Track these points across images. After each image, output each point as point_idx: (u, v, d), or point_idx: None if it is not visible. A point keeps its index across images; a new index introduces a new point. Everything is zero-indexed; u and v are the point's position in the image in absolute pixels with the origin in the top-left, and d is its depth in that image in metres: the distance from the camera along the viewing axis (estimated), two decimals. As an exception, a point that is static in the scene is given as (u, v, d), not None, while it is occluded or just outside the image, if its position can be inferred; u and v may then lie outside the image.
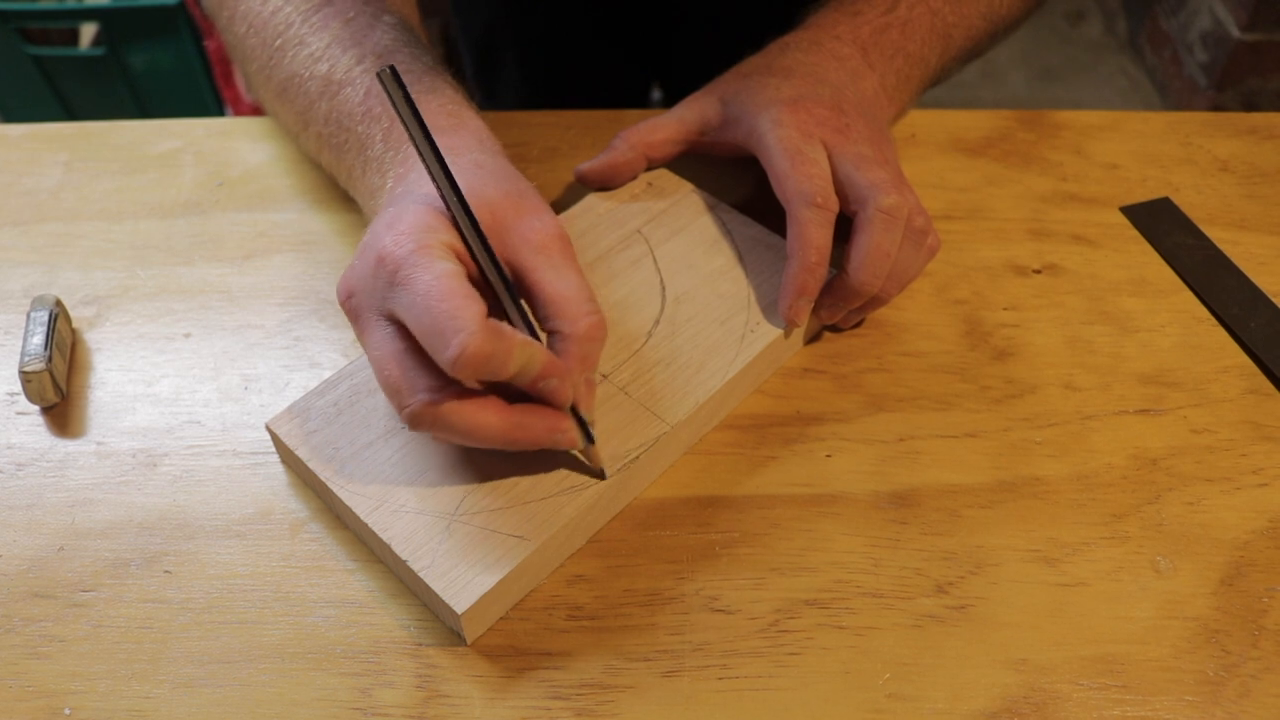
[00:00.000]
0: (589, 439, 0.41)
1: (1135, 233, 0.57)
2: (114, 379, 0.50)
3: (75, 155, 0.62)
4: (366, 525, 0.41)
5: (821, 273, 0.47)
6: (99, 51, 1.33)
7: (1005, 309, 0.53)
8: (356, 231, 0.57)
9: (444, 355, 0.36)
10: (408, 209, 0.40)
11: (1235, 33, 1.68)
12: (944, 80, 0.61)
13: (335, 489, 0.42)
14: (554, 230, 0.42)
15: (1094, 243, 0.57)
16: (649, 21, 0.87)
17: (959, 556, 0.43)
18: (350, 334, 0.51)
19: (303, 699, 0.39)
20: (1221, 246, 0.56)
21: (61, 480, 0.46)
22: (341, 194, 0.59)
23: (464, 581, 0.39)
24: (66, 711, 0.39)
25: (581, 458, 0.43)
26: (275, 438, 0.45)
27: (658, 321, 0.48)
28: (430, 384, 0.38)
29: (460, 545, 0.40)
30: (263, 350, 0.51)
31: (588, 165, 0.54)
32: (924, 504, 0.45)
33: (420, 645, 0.40)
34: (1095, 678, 0.39)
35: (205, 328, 0.52)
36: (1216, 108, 1.76)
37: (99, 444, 0.47)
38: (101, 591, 0.42)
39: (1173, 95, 1.89)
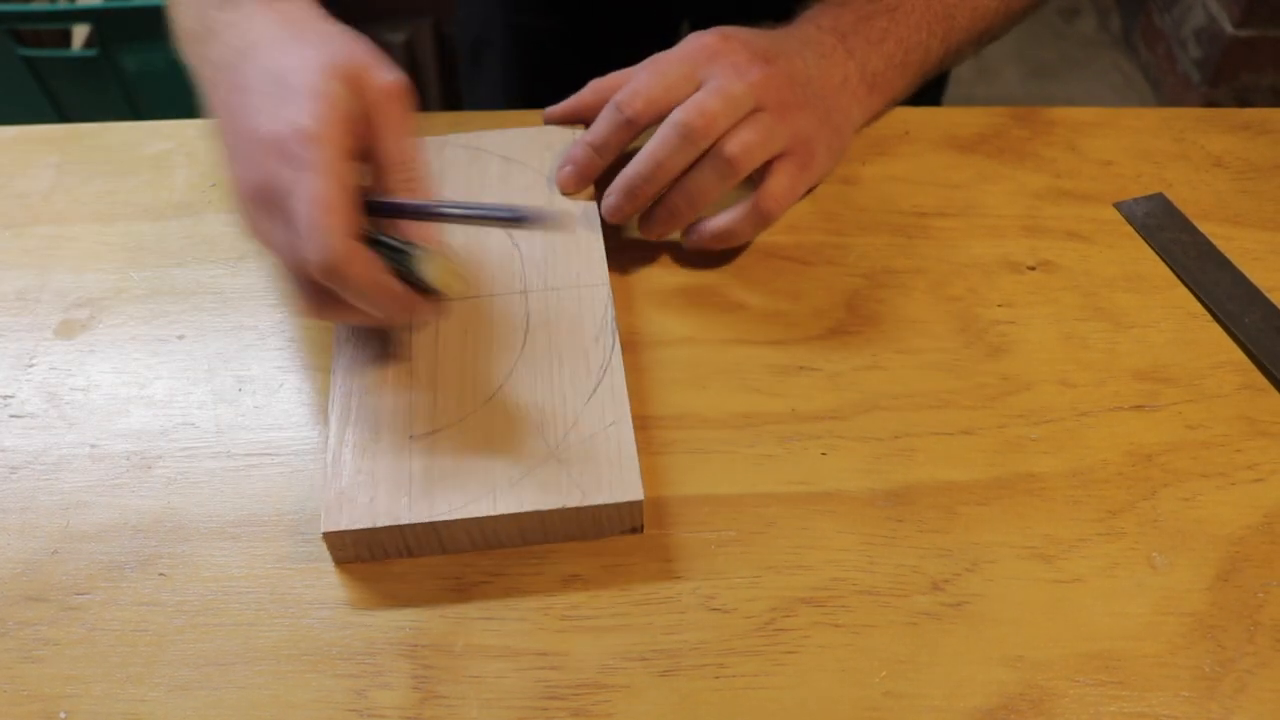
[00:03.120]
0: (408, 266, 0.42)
1: (1129, 229, 0.57)
2: (108, 381, 0.50)
3: (67, 157, 0.62)
4: (497, 518, 0.41)
5: (589, 167, 0.53)
6: (91, 53, 1.33)
7: (1000, 306, 0.53)
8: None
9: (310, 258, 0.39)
10: (319, 74, 0.41)
11: (1229, 29, 1.68)
12: (957, 62, 0.61)
13: (449, 518, 0.41)
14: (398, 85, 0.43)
15: (1088, 239, 0.57)
16: (651, 26, 0.87)
17: (955, 554, 0.43)
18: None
19: (299, 701, 0.39)
20: (1216, 242, 0.56)
21: (55, 483, 0.46)
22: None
23: (618, 481, 0.42)
24: (61, 715, 0.38)
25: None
26: (338, 537, 0.42)
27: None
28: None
29: (581, 464, 0.42)
30: (257, 351, 0.51)
31: (555, 109, 0.58)
32: (920, 501, 0.45)
33: (416, 646, 0.40)
34: (1091, 674, 0.39)
35: (199, 329, 0.52)
36: (1210, 104, 1.76)
37: (93, 446, 0.47)
38: (96, 595, 0.42)
39: (1167, 91, 1.89)
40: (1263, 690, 0.39)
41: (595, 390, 0.45)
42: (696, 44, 0.53)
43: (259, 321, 0.52)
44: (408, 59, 1.67)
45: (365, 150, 0.42)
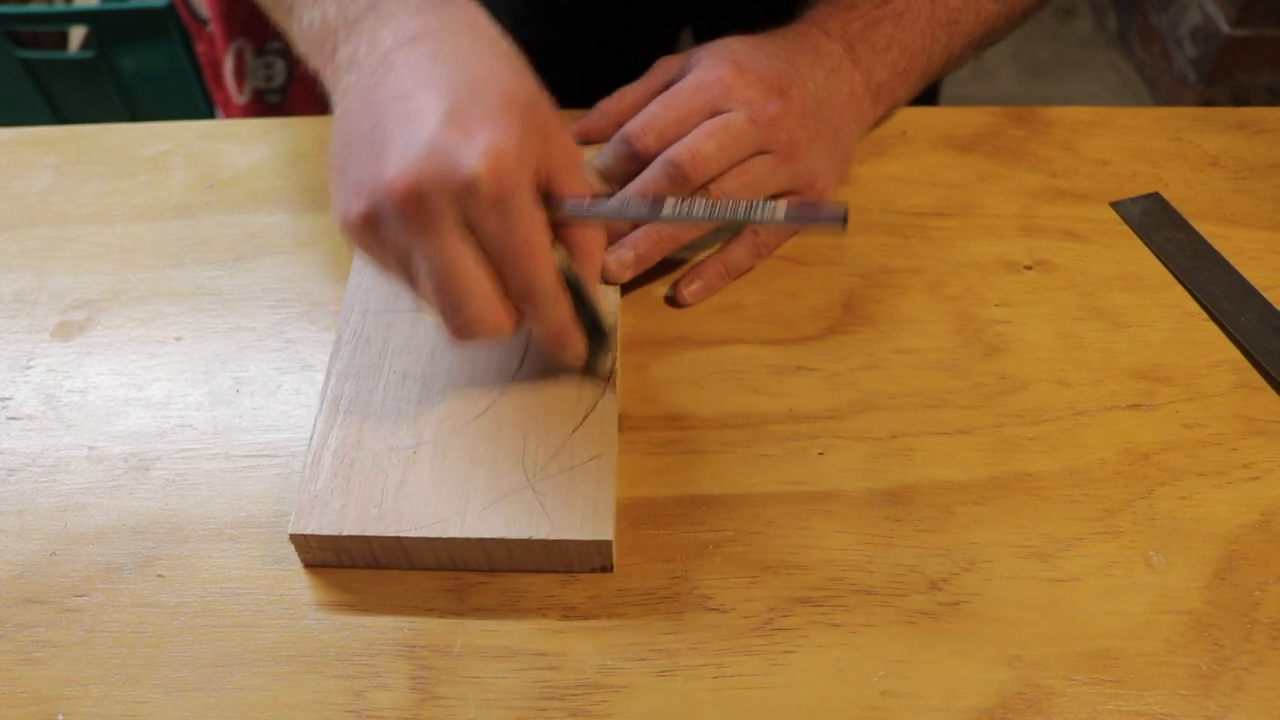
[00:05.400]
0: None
1: (1126, 228, 0.57)
2: (105, 383, 0.50)
3: (65, 159, 0.62)
4: (464, 540, 0.41)
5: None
6: (88, 54, 1.33)
7: (997, 305, 0.53)
8: (348, 233, 0.57)
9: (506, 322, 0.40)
10: (497, 92, 0.37)
11: (1225, 28, 1.68)
12: (958, 67, 0.60)
13: (414, 535, 0.41)
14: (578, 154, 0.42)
15: (1085, 238, 0.57)
16: (652, 27, 0.86)
17: (952, 553, 0.43)
18: (333, 334, 0.50)
19: (297, 702, 0.39)
20: (1212, 241, 0.56)
21: (53, 485, 0.46)
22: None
23: (590, 519, 0.41)
24: (60, 718, 0.38)
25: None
26: (304, 540, 0.42)
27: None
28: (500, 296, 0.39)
29: (556, 496, 0.42)
30: (254, 353, 0.51)
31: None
32: (917, 501, 0.45)
33: (415, 647, 0.40)
34: (1089, 673, 0.39)
35: (196, 331, 0.52)
36: (1206, 103, 1.76)
37: (90, 448, 0.47)
38: (94, 596, 0.42)
39: (1163, 91, 1.89)
40: (1260, 688, 0.39)
41: (583, 422, 0.45)
42: (711, 75, 0.51)
43: (256, 323, 0.52)
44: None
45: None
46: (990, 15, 0.59)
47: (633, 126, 0.51)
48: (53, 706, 0.39)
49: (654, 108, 0.51)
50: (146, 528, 0.44)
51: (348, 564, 0.43)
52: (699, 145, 0.49)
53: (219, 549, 0.43)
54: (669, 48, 0.89)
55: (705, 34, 0.88)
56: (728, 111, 0.50)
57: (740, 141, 0.50)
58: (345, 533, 0.41)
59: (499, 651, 0.40)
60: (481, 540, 0.41)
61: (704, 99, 0.51)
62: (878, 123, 0.60)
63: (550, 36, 0.84)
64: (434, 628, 0.41)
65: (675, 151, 0.49)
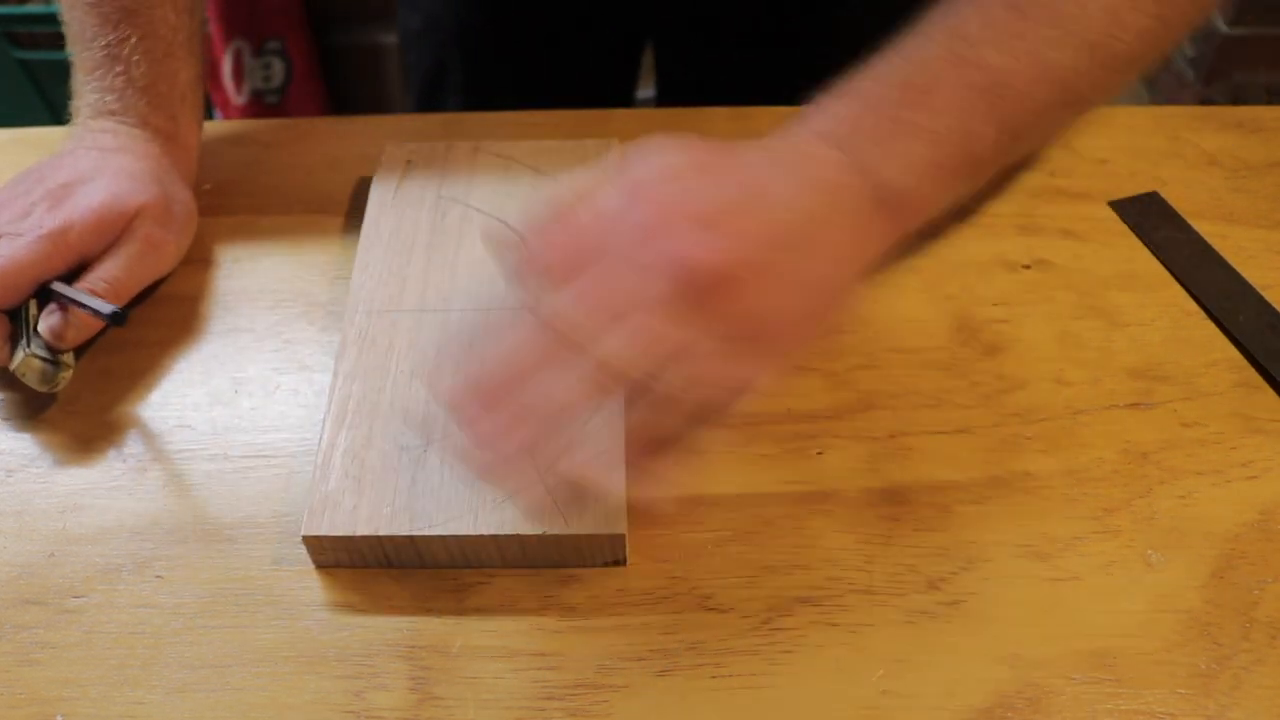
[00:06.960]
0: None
1: (1124, 227, 0.58)
2: (104, 384, 0.50)
3: (62, 159, 0.62)
4: (477, 538, 0.41)
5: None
6: (86, 55, 1.33)
7: (995, 304, 0.53)
8: (346, 235, 0.57)
9: None
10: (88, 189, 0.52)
11: (1223, 27, 1.68)
12: (1043, 145, 0.47)
13: (428, 533, 0.41)
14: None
15: (1083, 237, 0.57)
16: (615, 45, 0.86)
17: (951, 552, 0.43)
18: (337, 336, 0.50)
19: (296, 703, 0.39)
20: (1210, 240, 0.56)
21: (51, 486, 0.46)
22: (331, 198, 0.59)
23: (602, 512, 0.41)
24: (59, 718, 0.38)
25: None
26: (317, 542, 0.42)
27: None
28: None
29: (567, 491, 0.41)
30: (252, 353, 0.51)
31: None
32: (916, 500, 0.45)
33: (414, 648, 0.40)
34: (1088, 672, 0.39)
35: (194, 331, 0.52)
36: (1204, 102, 1.76)
37: (89, 449, 0.47)
38: (93, 597, 0.42)
39: (1160, 90, 1.89)
40: (1258, 687, 0.39)
41: (592, 417, 0.45)
42: (639, 216, 0.38)
43: (254, 324, 0.52)
44: (401, 61, 1.67)
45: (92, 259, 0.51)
46: (1060, 70, 0.42)
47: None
48: (52, 707, 0.39)
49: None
50: (145, 528, 0.44)
51: (359, 564, 0.43)
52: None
53: (217, 549, 0.43)
54: (633, 66, 0.88)
55: (667, 53, 0.87)
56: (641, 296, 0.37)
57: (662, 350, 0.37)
58: (359, 533, 0.41)
59: (498, 652, 0.40)
60: (495, 537, 0.41)
61: (626, 251, 0.37)
62: (914, 233, 0.45)
63: (509, 51, 0.83)
64: (433, 628, 0.41)
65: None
